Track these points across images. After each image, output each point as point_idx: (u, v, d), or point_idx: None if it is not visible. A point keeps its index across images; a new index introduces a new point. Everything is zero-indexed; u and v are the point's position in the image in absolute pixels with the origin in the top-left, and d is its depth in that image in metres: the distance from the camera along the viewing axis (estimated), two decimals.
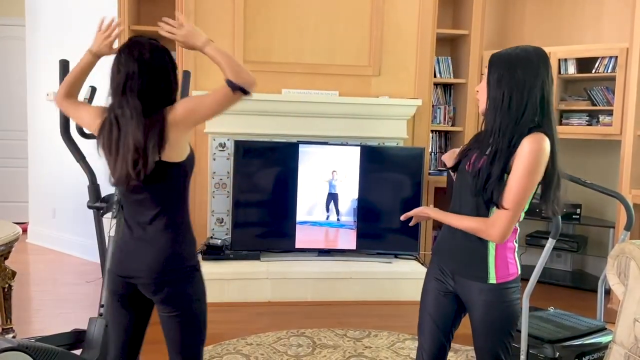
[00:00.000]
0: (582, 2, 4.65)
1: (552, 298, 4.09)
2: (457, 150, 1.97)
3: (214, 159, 4.48)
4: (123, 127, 1.75)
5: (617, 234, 4.18)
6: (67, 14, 5.15)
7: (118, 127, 1.76)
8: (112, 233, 2.21)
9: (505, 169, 1.69)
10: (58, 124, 2.31)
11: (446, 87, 5.09)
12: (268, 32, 4.48)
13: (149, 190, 1.80)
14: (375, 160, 4.48)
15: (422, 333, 1.96)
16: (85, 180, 2.51)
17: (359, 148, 4.41)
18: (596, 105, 4.50)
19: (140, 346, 2.01)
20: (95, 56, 1.97)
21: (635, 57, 4.05)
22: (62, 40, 4.99)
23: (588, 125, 4.52)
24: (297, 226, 4.38)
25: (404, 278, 4.24)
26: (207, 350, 3.15)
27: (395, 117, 4.61)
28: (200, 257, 3.42)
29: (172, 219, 1.84)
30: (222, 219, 4.53)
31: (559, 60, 4.49)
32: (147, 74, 1.76)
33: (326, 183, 4.39)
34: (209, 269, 3.84)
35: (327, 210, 4.40)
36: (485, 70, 1.78)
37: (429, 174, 4.73)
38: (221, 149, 4.49)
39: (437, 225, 4.13)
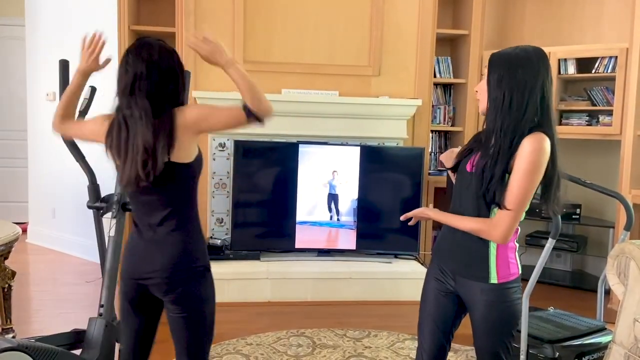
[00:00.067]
0: (582, 2, 4.65)
1: (552, 298, 4.09)
2: (455, 150, 1.97)
3: (214, 159, 4.49)
4: (132, 128, 1.74)
5: (617, 234, 4.18)
6: (67, 14, 5.16)
7: (127, 128, 1.75)
8: (112, 233, 2.22)
9: (507, 169, 1.69)
10: None
11: (446, 87, 5.09)
12: (268, 32, 4.48)
13: (159, 191, 1.79)
14: (375, 160, 4.48)
15: (422, 333, 1.95)
16: (85, 180, 2.51)
17: (358, 148, 4.40)
18: (596, 106, 4.50)
19: (150, 348, 2.01)
20: (84, 75, 1.97)
21: (635, 57, 4.05)
22: (62, 40, 4.98)
23: (588, 125, 4.52)
24: (297, 226, 4.38)
25: (403, 278, 4.24)
26: None
27: (395, 117, 4.61)
28: None
29: (182, 220, 1.83)
30: (222, 219, 4.54)
31: (559, 60, 4.49)
32: (156, 75, 1.75)
33: (326, 184, 4.39)
34: None
35: (330, 210, 4.41)
36: (485, 70, 1.78)
37: (429, 174, 4.73)
38: (221, 149, 4.49)
39: (437, 225, 4.12)
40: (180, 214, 1.83)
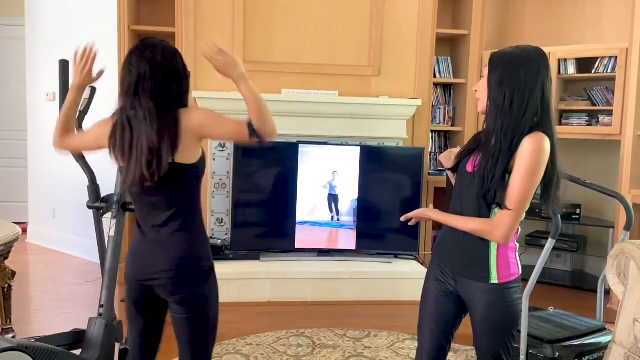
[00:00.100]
0: (582, 2, 4.65)
1: (552, 298, 4.09)
2: (454, 151, 1.97)
3: (214, 159, 4.49)
4: (136, 128, 1.73)
5: (617, 234, 4.18)
6: (67, 14, 5.16)
7: (131, 129, 1.74)
8: (112, 233, 2.22)
9: (507, 169, 1.69)
10: None
11: (446, 87, 5.09)
12: (268, 32, 4.48)
13: (163, 192, 1.78)
14: (375, 160, 4.48)
15: (422, 333, 1.95)
16: (85, 180, 2.51)
17: (358, 148, 4.40)
18: (596, 106, 4.50)
19: (157, 348, 2.01)
20: (78, 90, 1.97)
21: (635, 57, 4.05)
22: (62, 40, 4.98)
23: (588, 125, 4.52)
24: (297, 226, 4.38)
25: (403, 278, 4.24)
26: None
27: (395, 117, 4.61)
28: None
29: (186, 221, 1.83)
30: (222, 219, 4.54)
31: (559, 60, 4.49)
32: (160, 75, 1.74)
33: (326, 184, 4.39)
34: None
35: (331, 211, 4.41)
36: (485, 70, 1.77)
37: (429, 174, 4.74)
38: (221, 149, 4.49)
39: (437, 225, 4.12)
40: (184, 214, 1.83)
